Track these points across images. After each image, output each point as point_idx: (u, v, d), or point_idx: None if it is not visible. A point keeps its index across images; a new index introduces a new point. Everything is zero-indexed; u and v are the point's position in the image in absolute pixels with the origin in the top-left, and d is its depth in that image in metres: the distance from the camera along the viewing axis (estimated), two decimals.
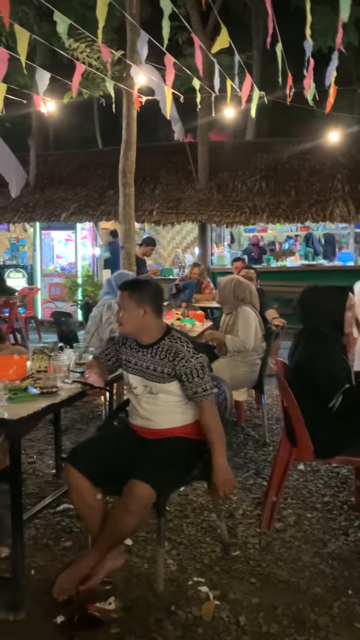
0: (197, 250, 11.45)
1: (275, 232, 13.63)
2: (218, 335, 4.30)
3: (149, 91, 6.07)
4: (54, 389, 2.58)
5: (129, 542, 2.75)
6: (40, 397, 2.51)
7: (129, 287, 2.60)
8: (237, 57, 4.51)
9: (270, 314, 5.04)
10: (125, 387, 2.76)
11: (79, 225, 10.71)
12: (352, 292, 2.98)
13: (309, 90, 5.05)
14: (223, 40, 3.92)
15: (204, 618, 2.26)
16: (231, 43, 3.78)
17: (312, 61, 4.37)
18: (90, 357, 2.99)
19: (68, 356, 3.03)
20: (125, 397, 4.57)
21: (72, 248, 10.86)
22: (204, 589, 2.44)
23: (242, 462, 3.91)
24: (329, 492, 3.42)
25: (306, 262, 10.47)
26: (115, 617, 2.23)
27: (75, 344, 3.98)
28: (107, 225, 11.21)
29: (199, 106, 5.29)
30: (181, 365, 2.47)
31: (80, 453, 2.48)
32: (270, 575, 2.55)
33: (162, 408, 2.55)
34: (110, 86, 5.10)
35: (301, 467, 3.78)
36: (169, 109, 5.04)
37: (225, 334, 4.27)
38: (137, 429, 2.63)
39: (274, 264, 10.68)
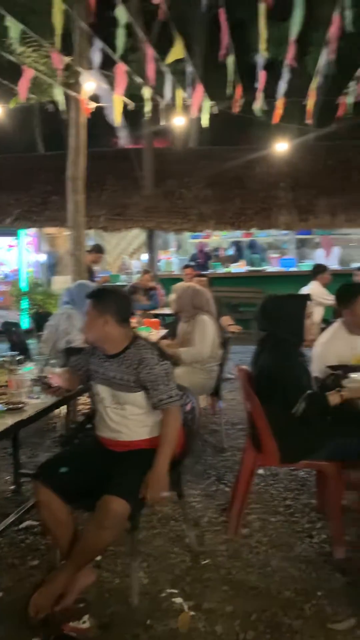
0: (143, 257, 11.45)
1: (219, 238, 13.82)
2: (172, 352, 4.31)
3: (95, 98, 6.04)
4: (20, 405, 2.51)
5: (97, 557, 2.71)
6: (7, 413, 2.44)
7: (93, 297, 2.58)
8: (189, 68, 4.57)
9: (225, 320, 5.12)
10: (93, 398, 2.73)
11: (22, 231, 10.47)
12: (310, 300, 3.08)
13: (258, 102, 5.18)
14: (177, 51, 3.97)
15: (181, 630, 2.26)
16: (186, 54, 3.83)
17: (263, 74, 4.50)
18: (56, 369, 2.94)
19: (29, 370, 2.97)
20: (86, 410, 4.50)
21: (15, 254, 10.60)
22: (178, 600, 2.44)
23: (202, 469, 3.94)
24: (290, 496, 3.50)
25: (252, 269, 10.67)
26: (91, 635, 2.20)
27: (30, 356, 3.88)
28: (52, 231, 11.03)
29: (149, 115, 5.32)
30: (145, 372, 2.47)
31: (49, 469, 2.43)
32: (242, 582, 2.58)
33: (130, 419, 2.53)
34: (59, 93, 5.03)
35: (261, 471, 3.84)
36: (118, 116, 5.03)
37: (179, 348, 4.27)
38: (106, 442, 2.60)
39: (220, 270, 10.83)
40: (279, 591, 2.51)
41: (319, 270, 7.17)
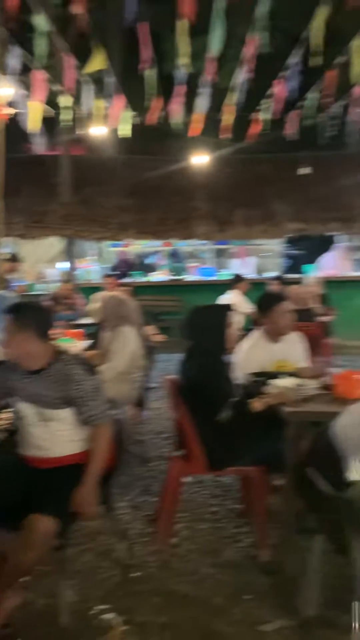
0: (61, 265, 11.24)
1: (139, 247, 13.86)
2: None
3: (11, 103, 5.89)
4: None
5: (24, 578, 2.62)
6: None
7: (12, 311, 2.51)
8: (111, 78, 4.57)
9: (150, 330, 5.13)
10: (14, 416, 2.64)
11: None
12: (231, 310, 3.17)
13: (176, 115, 5.28)
14: (99, 61, 3.96)
15: None
16: (109, 64, 3.84)
17: (181, 88, 4.59)
18: None
19: None
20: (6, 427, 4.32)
21: None
22: (110, 615, 2.41)
23: (128, 481, 3.91)
24: (215, 502, 3.56)
25: (173, 278, 10.77)
26: None
27: None
28: None
29: (67, 122, 5.27)
30: (73, 388, 2.43)
31: None
32: (173, 592, 2.60)
33: (57, 436, 2.48)
34: None
35: (187, 479, 3.88)
36: (35, 123, 4.95)
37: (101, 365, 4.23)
38: (31, 459, 2.53)
39: (141, 279, 10.86)
40: (210, 598, 2.55)
41: (237, 279, 7.38)
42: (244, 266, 11.11)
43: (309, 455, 2.36)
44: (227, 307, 3.16)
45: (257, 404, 2.88)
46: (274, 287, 7.85)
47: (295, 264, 16.73)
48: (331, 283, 9.30)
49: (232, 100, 4.99)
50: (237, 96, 4.63)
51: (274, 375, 3.20)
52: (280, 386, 2.98)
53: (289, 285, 7.40)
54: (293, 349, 3.68)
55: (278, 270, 13.45)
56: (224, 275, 10.57)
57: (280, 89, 4.23)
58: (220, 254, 13.28)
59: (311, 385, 2.99)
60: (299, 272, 11.68)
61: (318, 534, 2.30)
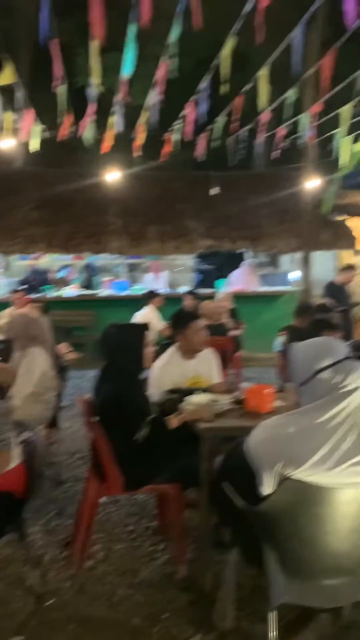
0: None
1: (49, 260, 13.57)
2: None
3: None
4: None
5: None
6: None
7: None
8: (20, 92, 4.49)
9: (62, 348, 5.03)
10: None
11: None
12: (148, 329, 3.20)
13: (87, 131, 5.28)
14: (7, 74, 3.88)
15: None
16: (18, 78, 3.77)
17: (93, 106, 4.60)
18: None
19: None
20: None
21: None
22: None
23: (41, 504, 3.80)
24: (131, 521, 3.54)
25: (85, 292, 10.64)
26: None
27: None
28: None
29: None
30: None
31: None
32: (89, 617, 2.55)
33: None
34: None
35: (102, 499, 3.84)
36: None
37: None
38: None
39: (52, 294, 10.63)
40: (127, 620, 2.53)
41: (152, 295, 7.45)
42: (157, 281, 11.22)
43: (222, 470, 2.42)
44: (144, 326, 3.18)
45: (172, 421, 2.91)
46: (188, 302, 8.00)
47: (206, 279, 17.16)
48: (240, 298, 9.63)
49: (144, 120, 5.07)
50: (149, 116, 4.70)
51: (188, 391, 3.25)
52: (195, 402, 3.04)
53: (202, 300, 7.57)
54: (207, 365, 3.77)
55: (190, 284, 13.72)
56: (137, 289, 10.61)
57: (190, 112, 4.35)
58: (133, 268, 13.31)
59: (224, 401, 3.07)
60: (211, 287, 11.98)
61: (232, 547, 2.36)
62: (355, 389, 1.89)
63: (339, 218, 11.16)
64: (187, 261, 13.70)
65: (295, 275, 11.88)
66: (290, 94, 4.17)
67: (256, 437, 2.04)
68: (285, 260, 14.11)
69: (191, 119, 4.37)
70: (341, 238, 10.56)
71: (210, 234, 10.06)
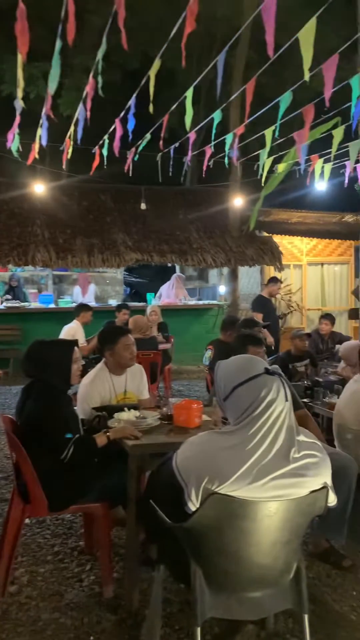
0: None
1: None
2: None
3: None
4: None
5: None
6: None
7: None
8: None
9: None
10: None
11: None
12: (77, 345, 3.16)
13: (13, 142, 5.17)
14: None
15: None
16: None
17: (18, 118, 4.51)
18: None
19: None
20: None
21: None
22: None
23: None
24: (57, 542, 3.46)
25: (10, 305, 10.35)
26: None
27: None
28: None
29: None
30: None
31: None
32: None
33: None
34: None
35: (27, 520, 3.73)
36: None
37: None
38: None
39: None
40: None
41: (80, 309, 7.35)
42: (85, 293, 11.12)
43: (149, 487, 2.42)
44: (72, 343, 3.14)
45: (101, 439, 2.88)
46: (121, 316, 7.98)
47: (136, 292, 17.21)
48: (169, 311, 9.72)
49: (72, 133, 5.04)
50: (77, 129, 4.68)
51: (117, 408, 3.24)
52: (123, 419, 3.03)
53: (132, 314, 7.57)
54: (136, 380, 3.77)
55: (119, 297, 13.68)
56: (64, 302, 10.46)
57: (119, 127, 4.37)
58: (59, 280, 13.11)
59: (152, 417, 3.08)
60: (140, 300, 12.01)
61: (159, 564, 2.36)
62: (271, 403, 1.95)
63: (265, 234, 11.55)
64: (115, 274, 13.69)
65: (223, 289, 12.15)
66: (216, 115, 4.28)
67: (183, 453, 2.06)
68: (213, 274, 14.42)
69: (119, 134, 4.39)
70: (267, 254, 10.91)
71: (138, 248, 10.10)
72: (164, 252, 10.14)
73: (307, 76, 2.59)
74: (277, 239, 11.60)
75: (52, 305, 10.45)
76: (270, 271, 11.73)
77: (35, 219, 10.38)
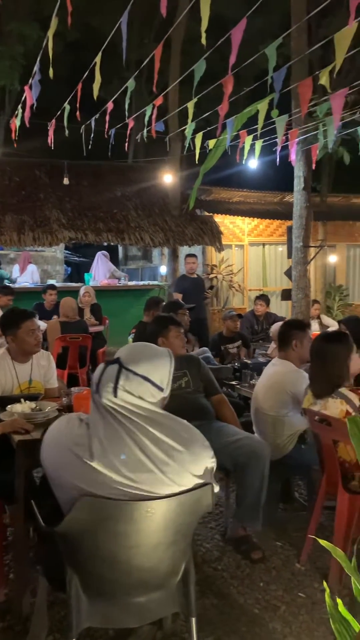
0: None
1: None
2: None
3: None
4: None
5: None
6: None
7: None
8: None
9: None
10: None
11: None
12: None
13: None
14: None
15: None
16: None
17: None
18: None
19: None
20: None
21: None
22: None
23: None
24: None
25: None
26: None
27: None
28: None
29: None
30: None
31: None
32: None
33: None
34: None
35: None
36: None
37: None
38: None
39: None
40: None
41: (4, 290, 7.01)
42: (23, 273, 10.68)
43: (29, 487, 2.24)
44: None
45: None
46: (48, 297, 7.66)
47: (76, 272, 16.78)
48: (107, 292, 9.46)
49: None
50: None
51: (12, 399, 3.00)
52: (16, 412, 2.81)
53: (69, 294, 7.25)
54: (42, 368, 3.53)
55: (60, 277, 13.28)
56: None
57: (28, 96, 4.06)
58: None
59: (50, 409, 2.87)
60: (81, 280, 11.65)
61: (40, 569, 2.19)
62: (110, 400, 1.79)
63: (206, 214, 11.38)
64: (55, 253, 13.27)
65: (164, 269, 11.95)
66: (130, 84, 4.03)
67: (46, 448, 1.90)
68: (158, 254, 14.18)
69: (29, 103, 4.08)
70: (207, 233, 10.76)
71: (73, 225, 9.73)
72: (100, 231, 9.83)
73: (203, 39, 2.39)
74: (218, 218, 11.46)
75: None
76: (212, 251, 11.60)
77: None
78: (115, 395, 1.79)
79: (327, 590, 1.30)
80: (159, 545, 1.92)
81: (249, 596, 2.77)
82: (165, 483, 1.79)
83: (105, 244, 10.75)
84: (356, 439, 1.23)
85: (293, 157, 5.36)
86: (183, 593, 2.05)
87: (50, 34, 3.02)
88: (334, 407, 2.86)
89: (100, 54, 3.40)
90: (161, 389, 1.85)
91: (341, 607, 1.23)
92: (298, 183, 7.60)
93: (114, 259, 13.07)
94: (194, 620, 2.06)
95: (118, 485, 1.76)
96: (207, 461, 1.89)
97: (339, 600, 1.26)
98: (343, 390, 2.88)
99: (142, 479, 1.76)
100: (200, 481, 1.86)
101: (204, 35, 2.39)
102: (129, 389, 1.80)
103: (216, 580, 2.91)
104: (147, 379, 1.82)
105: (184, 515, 1.91)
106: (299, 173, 7.56)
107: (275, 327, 5.32)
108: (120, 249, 15.47)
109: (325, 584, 1.46)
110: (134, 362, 1.84)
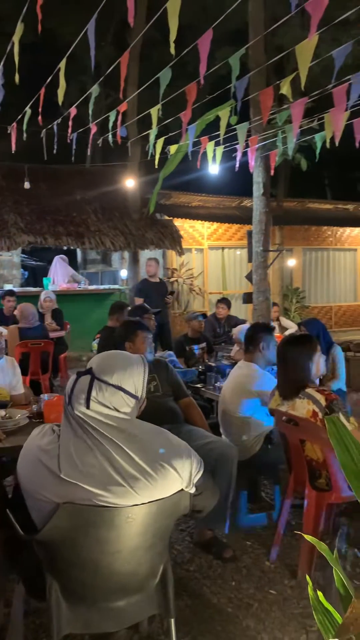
0: None
1: None
2: None
3: None
4: None
5: None
6: None
7: None
8: None
9: None
10: None
11: None
12: None
13: None
14: None
15: None
16: None
17: None
18: None
19: None
20: None
21: None
22: None
23: None
24: None
25: None
26: None
27: None
28: None
29: None
30: None
31: None
32: None
33: None
34: None
35: None
36: None
37: None
38: None
39: None
40: None
41: None
42: None
43: (2, 495, 2.22)
44: None
45: None
46: (6, 304, 7.53)
47: (33, 276, 16.52)
48: (67, 296, 9.38)
49: None
50: None
51: None
52: None
53: (28, 300, 7.16)
54: (7, 375, 3.49)
55: (16, 282, 13.06)
56: None
57: None
58: None
59: (20, 416, 2.85)
60: (39, 285, 11.48)
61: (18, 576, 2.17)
62: (82, 412, 1.79)
63: (166, 218, 11.43)
64: (11, 257, 13.03)
65: (125, 273, 11.93)
66: (94, 89, 4.04)
67: (21, 460, 1.88)
68: (116, 258, 14.14)
69: None
70: (167, 237, 10.81)
71: (31, 229, 9.61)
72: (60, 235, 9.73)
73: (172, 49, 2.43)
74: (178, 222, 11.53)
75: None
76: (173, 255, 11.67)
77: None
78: (88, 407, 1.79)
79: (310, 583, 1.36)
80: (138, 549, 1.94)
81: (222, 595, 2.82)
82: (135, 497, 1.78)
83: (65, 247, 10.66)
84: (334, 438, 1.28)
85: (252, 164, 5.47)
86: (162, 594, 2.07)
87: (15, 39, 3.00)
88: (301, 407, 2.94)
89: (65, 59, 3.40)
90: (136, 397, 1.86)
91: (322, 599, 1.28)
92: (257, 189, 7.75)
93: (72, 262, 12.98)
94: (172, 621, 2.09)
95: (86, 497, 1.76)
96: (185, 474, 1.88)
97: (320, 593, 1.31)
98: (309, 390, 2.96)
99: (111, 491, 1.76)
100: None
101: (172, 45, 2.43)
102: (102, 401, 1.80)
103: (189, 582, 2.95)
104: (121, 388, 1.82)
105: (163, 518, 1.94)
106: (258, 179, 7.71)
107: (238, 330, 5.42)
108: (79, 252, 15.35)
109: (308, 577, 1.51)
110: (106, 372, 1.83)
